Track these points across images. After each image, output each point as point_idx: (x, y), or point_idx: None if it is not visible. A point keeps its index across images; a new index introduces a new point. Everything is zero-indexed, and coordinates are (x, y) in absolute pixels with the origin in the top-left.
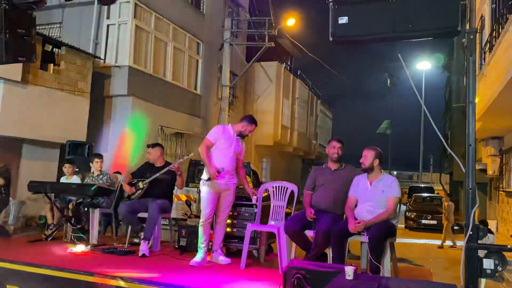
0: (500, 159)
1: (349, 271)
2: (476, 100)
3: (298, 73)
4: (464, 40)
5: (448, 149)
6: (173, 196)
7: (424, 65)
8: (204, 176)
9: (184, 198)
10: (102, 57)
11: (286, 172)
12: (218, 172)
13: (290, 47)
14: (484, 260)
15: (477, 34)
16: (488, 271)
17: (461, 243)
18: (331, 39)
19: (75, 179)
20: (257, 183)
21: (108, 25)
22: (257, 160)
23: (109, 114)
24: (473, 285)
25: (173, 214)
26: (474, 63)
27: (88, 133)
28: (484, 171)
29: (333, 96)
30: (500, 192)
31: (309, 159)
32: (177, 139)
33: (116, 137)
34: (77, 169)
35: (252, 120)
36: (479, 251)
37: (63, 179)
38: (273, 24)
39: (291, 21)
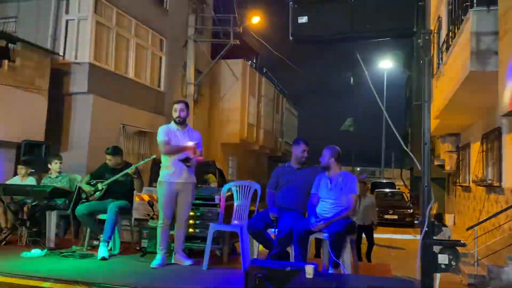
0: (457, 155)
1: (309, 269)
2: (435, 99)
3: (264, 71)
4: (419, 40)
5: (404, 147)
6: (136, 196)
7: (386, 64)
8: (163, 175)
9: (147, 198)
10: (61, 53)
11: (253, 170)
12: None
13: (256, 45)
14: (439, 255)
15: (435, 34)
16: (443, 266)
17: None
18: (291, 38)
19: (31, 181)
20: (222, 182)
21: (67, 20)
22: (223, 158)
23: (68, 112)
24: (428, 279)
25: (136, 215)
26: (429, 64)
27: (46, 132)
28: (442, 166)
29: (299, 94)
30: (457, 186)
31: (276, 156)
32: (139, 138)
33: (76, 136)
34: (33, 170)
35: (174, 102)
36: (434, 246)
37: (15, 180)
38: (238, 22)
39: (256, 19)
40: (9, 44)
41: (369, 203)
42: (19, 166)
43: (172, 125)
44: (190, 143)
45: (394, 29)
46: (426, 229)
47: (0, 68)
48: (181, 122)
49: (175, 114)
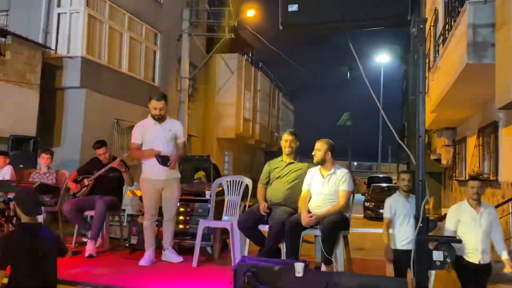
0: (454, 149)
1: (298, 267)
2: (431, 92)
3: (260, 66)
4: (414, 29)
5: (399, 140)
6: (128, 191)
7: (383, 58)
8: (145, 173)
9: (139, 193)
10: (53, 47)
11: (249, 165)
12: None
13: (251, 39)
14: (434, 252)
15: (432, 27)
16: (438, 263)
17: None
18: (280, 27)
19: (6, 170)
20: (217, 177)
21: (59, 14)
22: (219, 153)
23: (61, 107)
24: (423, 277)
25: (129, 211)
26: (424, 54)
27: (38, 127)
28: (438, 161)
29: (295, 89)
30: (453, 181)
31: (271, 151)
32: None
33: (69, 132)
34: (21, 165)
35: (150, 98)
36: (429, 243)
37: None
38: (233, 15)
39: (251, 12)
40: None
41: (493, 216)
42: None
43: (149, 120)
44: (152, 151)
45: (387, 18)
46: (421, 225)
47: None
48: (160, 119)
49: (154, 112)
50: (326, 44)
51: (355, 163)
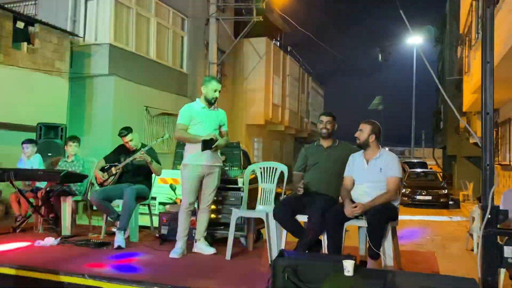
0: (496, 132)
1: (348, 266)
2: (473, 72)
3: (289, 50)
4: None
5: (459, 117)
6: (158, 179)
7: (415, 40)
8: (189, 158)
9: (170, 181)
10: (81, 35)
11: (278, 151)
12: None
13: (280, 22)
14: (505, 247)
15: (474, 1)
16: (510, 260)
17: (458, 218)
18: None
19: (36, 158)
20: (248, 165)
21: (86, 1)
22: (248, 140)
23: (90, 94)
24: (492, 276)
25: (160, 199)
26: (492, 17)
27: (68, 115)
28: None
29: (325, 73)
30: (496, 165)
31: (301, 137)
32: (163, 120)
33: (99, 119)
34: (50, 154)
35: (207, 80)
36: (498, 237)
37: (22, 160)
38: None
39: None
40: (28, 27)
41: None
42: (24, 145)
43: (197, 103)
44: (207, 136)
45: None
46: (489, 216)
47: (19, 51)
48: (213, 103)
49: (213, 94)
50: (357, 26)
51: (387, 148)
